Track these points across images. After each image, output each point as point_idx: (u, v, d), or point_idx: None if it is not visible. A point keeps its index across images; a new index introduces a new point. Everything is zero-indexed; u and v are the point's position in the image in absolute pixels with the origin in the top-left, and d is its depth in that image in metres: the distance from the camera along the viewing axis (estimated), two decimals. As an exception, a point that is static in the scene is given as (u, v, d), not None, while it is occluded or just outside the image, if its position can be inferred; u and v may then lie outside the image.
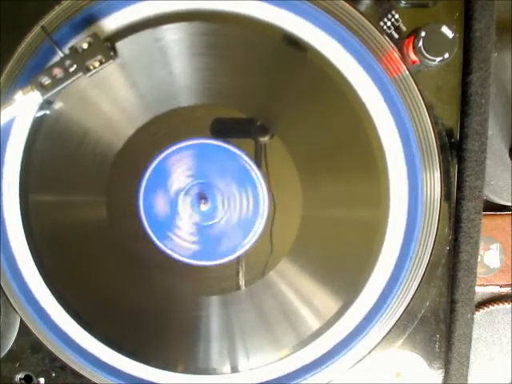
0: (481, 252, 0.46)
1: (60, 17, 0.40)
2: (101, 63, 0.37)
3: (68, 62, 0.36)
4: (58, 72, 0.36)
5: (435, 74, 0.41)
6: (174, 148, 0.41)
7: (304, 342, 0.43)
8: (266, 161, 0.41)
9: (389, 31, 0.41)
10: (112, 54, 0.37)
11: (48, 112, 0.41)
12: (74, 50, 0.37)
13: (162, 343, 0.44)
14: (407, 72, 0.40)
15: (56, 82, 0.36)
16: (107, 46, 0.37)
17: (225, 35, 0.41)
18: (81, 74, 0.36)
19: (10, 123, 0.41)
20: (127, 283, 0.43)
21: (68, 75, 0.36)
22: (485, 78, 0.41)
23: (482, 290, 0.48)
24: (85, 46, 0.36)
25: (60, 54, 0.37)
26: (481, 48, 0.41)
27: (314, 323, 0.43)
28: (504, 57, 0.45)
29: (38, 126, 0.41)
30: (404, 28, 0.40)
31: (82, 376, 0.43)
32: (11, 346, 0.43)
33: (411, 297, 0.42)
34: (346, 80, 0.40)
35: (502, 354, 0.49)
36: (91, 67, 0.37)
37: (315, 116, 0.42)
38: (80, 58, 0.36)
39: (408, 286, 0.42)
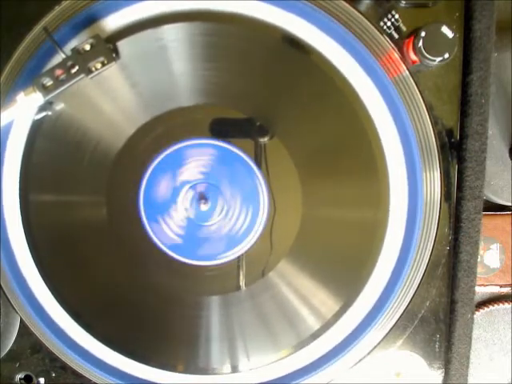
0: (481, 252, 0.48)
1: (60, 17, 0.42)
2: (103, 65, 0.39)
3: (70, 64, 0.38)
4: (59, 73, 0.38)
5: (435, 74, 0.42)
6: (175, 148, 0.43)
7: (304, 342, 0.45)
8: (266, 161, 0.43)
9: (389, 31, 0.42)
10: (114, 55, 0.39)
11: (49, 113, 0.43)
12: (76, 51, 0.39)
13: (162, 343, 0.46)
14: (407, 72, 0.42)
15: (58, 83, 0.38)
16: (109, 47, 0.39)
17: (225, 35, 0.42)
18: (83, 75, 0.38)
19: (10, 123, 0.42)
20: (127, 283, 0.45)
21: (70, 76, 0.38)
22: (485, 78, 0.42)
23: (482, 290, 0.50)
24: (87, 47, 0.38)
25: (62, 56, 0.39)
26: (481, 48, 0.42)
27: (314, 323, 0.44)
28: (504, 57, 0.47)
29: (38, 125, 0.43)
30: (404, 28, 0.42)
31: (82, 376, 0.45)
32: (11, 346, 0.45)
33: (411, 297, 0.44)
34: (346, 80, 0.42)
35: (502, 353, 0.51)
36: (93, 69, 0.39)
37: (315, 116, 0.43)
38: (82, 60, 0.38)
39: (408, 286, 0.44)
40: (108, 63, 0.39)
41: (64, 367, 0.45)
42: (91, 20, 0.42)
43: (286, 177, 0.43)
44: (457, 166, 0.44)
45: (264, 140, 0.43)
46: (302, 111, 0.43)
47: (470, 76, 0.43)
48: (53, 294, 0.45)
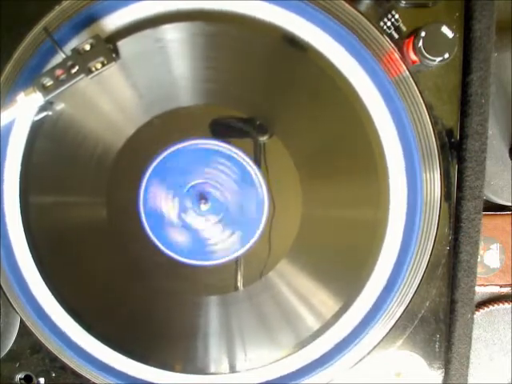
0: (481, 252, 0.48)
1: (60, 17, 0.42)
2: (103, 65, 0.39)
3: (70, 64, 0.39)
4: (60, 73, 0.39)
5: (435, 74, 0.42)
6: (175, 148, 0.44)
7: (304, 342, 0.45)
8: (266, 161, 0.44)
9: (389, 31, 0.42)
10: (114, 55, 0.40)
11: (49, 113, 0.43)
12: (76, 51, 0.39)
13: (160, 343, 0.46)
14: (407, 72, 0.42)
15: (58, 83, 0.39)
16: (109, 47, 0.39)
17: (225, 35, 0.43)
18: (83, 75, 0.39)
19: (10, 123, 0.43)
20: (126, 283, 0.45)
21: (70, 77, 0.38)
22: (485, 78, 0.43)
23: (482, 290, 0.51)
24: (87, 47, 0.39)
25: (62, 56, 0.39)
26: (481, 48, 0.42)
27: (313, 323, 0.45)
28: (504, 57, 0.47)
29: (38, 126, 0.43)
30: (404, 28, 0.42)
31: (81, 376, 0.46)
32: (11, 346, 0.45)
33: (411, 297, 0.44)
34: (346, 80, 0.43)
35: (502, 353, 0.51)
36: (93, 69, 0.39)
37: (315, 116, 0.44)
38: (82, 60, 0.39)
39: (408, 286, 0.44)
40: (108, 63, 0.39)
41: (64, 367, 0.46)
42: (91, 20, 0.42)
43: (285, 176, 0.44)
44: (457, 166, 0.44)
45: (263, 139, 0.44)
46: (302, 111, 0.44)
47: (470, 76, 0.43)
48: (53, 293, 0.45)
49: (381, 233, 0.44)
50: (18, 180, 0.44)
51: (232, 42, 0.43)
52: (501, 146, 0.48)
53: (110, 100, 0.44)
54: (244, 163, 0.44)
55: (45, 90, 0.39)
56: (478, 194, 0.43)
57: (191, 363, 0.46)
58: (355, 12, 0.42)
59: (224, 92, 0.44)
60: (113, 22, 0.43)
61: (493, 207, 0.50)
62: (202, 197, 0.44)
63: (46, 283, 0.45)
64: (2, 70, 0.43)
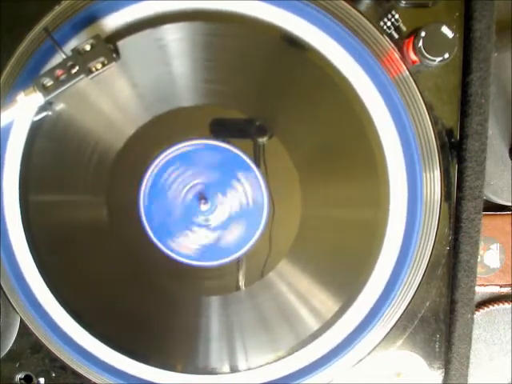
0: (481, 252, 0.49)
1: (60, 17, 0.43)
2: (103, 65, 0.39)
3: (70, 64, 0.39)
4: (60, 73, 0.39)
5: (435, 74, 0.43)
6: (175, 148, 0.44)
7: (304, 343, 0.45)
8: (265, 161, 0.44)
9: (389, 31, 0.43)
10: (114, 55, 0.40)
11: (49, 113, 0.43)
12: (76, 51, 0.39)
13: (161, 343, 0.46)
14: (407, 72, 0.43)
15: (58, 83, 0.39)
16: (109, 47, 0.40)
17: (225, 35, 0.43)
18: (83, 75, 0.39)
19: (10, 123, 0.43)
20: (127, 283, 0.46)
21: (70, 77, 0.39)
22: (485, 78, 0.43)
23: (482, 290, 0.51)
24: (87, 47, 0.39)
25: (62, 56, 0.40)
26: (481, 48, 0.43)
27: (313, 323, 0.45)
28: (504, 57, 0.47)
29: (38, 126, 0.44)
30: (404, 28, 0.43)
31: (82, 376, 0.46)
32: (11, 346, 0.45)
33: (411, 297, 0.44)
34: (346, 80, 0.43)
35: (502, 354, 0.51)
36: (93, 69, 0.39)
37: (314, 116, 0.44)
38: (82, 60, 0.39)
39: (408, 286, 0.44)
40: (108, 63, 0.39)
41: (64, 367, 0.46)
42: (91, 20, 0.43)
43: (285, 177, 0.44)
44: (457, 166, 0.44)
45: (263, 140, 0.44)
46: (302, 111, 0.44)
47: (469, 76, 0.43)
48: (53, 294, 0.45)
49: (381, 233, 0.44)
50: (18, 180, 0.44)
51: (232, 42, 0.43)
52: (501, 146, 0.48)
53: (110, 100, 0.44)
54: (244, 163, 0.44)
55: (45, 90, 0.39)
56: (477, 194, 0.44)
57: (192, 363, 0.46)
58: (355, 12, 0.43)
59: (224, 92, 0.44)
60: (113, 21, 0.43)
61: (493, 207, 0.50)
62: (202, 197, 0.44)
63: (46, 283, 0.45)
64: (2, 70, 0.43)
